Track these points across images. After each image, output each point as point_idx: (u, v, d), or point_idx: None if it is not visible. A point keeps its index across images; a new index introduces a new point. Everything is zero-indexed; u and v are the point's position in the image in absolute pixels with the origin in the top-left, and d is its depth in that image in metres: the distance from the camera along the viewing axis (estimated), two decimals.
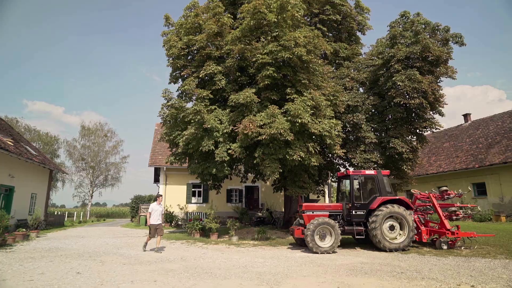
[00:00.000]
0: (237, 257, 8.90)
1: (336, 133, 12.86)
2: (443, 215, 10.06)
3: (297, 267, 7.43)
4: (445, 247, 9.71)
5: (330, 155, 17.08)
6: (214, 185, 17.79)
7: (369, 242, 10.66)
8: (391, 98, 14.49)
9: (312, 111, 11.85)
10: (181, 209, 23.78)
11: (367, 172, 10.44)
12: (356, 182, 10.20)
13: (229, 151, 12.38)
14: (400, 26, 15.54)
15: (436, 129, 14.89)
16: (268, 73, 11.79)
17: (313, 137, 12.69)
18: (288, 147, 11.72)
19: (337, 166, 16.58)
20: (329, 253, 9.35)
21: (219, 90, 13.90)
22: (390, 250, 9.50)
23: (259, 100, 12.47)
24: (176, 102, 14.13)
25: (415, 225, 9.83)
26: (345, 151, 13.71)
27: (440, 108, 15.09)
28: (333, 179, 16.07)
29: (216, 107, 13.50)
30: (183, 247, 11.03)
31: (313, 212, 10.19)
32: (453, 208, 10.16)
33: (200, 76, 13.53)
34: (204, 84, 14.49)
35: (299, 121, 11.09)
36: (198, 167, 13.65)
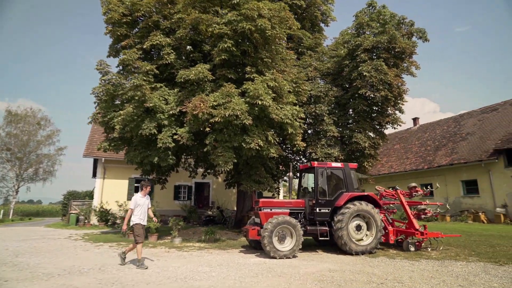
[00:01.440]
0: (176, 264, 7.02)
1: (298, 123, 11.56)
2: (411, 214, 9.19)
3: (253, 278, 5.80)
4: (412, 248, 8.82)
5: (288, 148, 15.84)
6: (159, 179, 15.56)
7: (330, 244, 9.44)
8: (355, 90, 13.61)
9: (274, 95, 10.36)
10: (119, 206, 20.89)
11: (334, 164, 9.20)
12: (321, 176, 8.89)
13: (175, 137, 10.40)
14: (367, 16, 14.80)
15: (398, 126, 14.34)
16: (225, 46, 10.03)
17: (273, 125, 11.23)
18: (245, 134, 10.09)
19: (295, 163, 15.34)
20: (289, 257, 7.88)
21: (167, 66, 11.82)
22: (357, 253, 8.33)
23: (214, 77, 10.67)
24: (114, 77, 11.75)
25: (383, 225, 8.79)
26: (305, 144, 12.47)
27: (401, 106, 14.60)
28: (294, 173, 14.77)
29: (162, 85, 11.40)
30: (109, 252, 8.82)
31: (271, 210, 8.67)
32: (423, 206, 9.35)
33: (145, 47, 11.32)
34: (150, 58, 12.29)
35: (259, 103, 9.51)
36: (137, 155, 11.41)
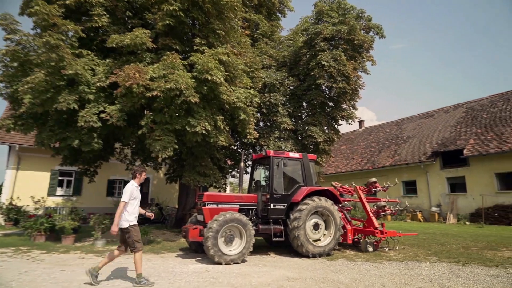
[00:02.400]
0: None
1: (251, 111, 10.31)
2: (371, 211, 8.48)
3: None
4: (371, 249, 8.09)
5: (238, 141, 14.53)
6: (86, 171, 13.16)
7: (283, 245, 8.34)
8: (312, 80, 12.81)
9: (226, 74, 8.94)
10: (36, 202, 17.58)
11: (291, 155, 8.09)
12: (277, 167, 7.70)
13: (103, 115, 8.39)
14: (326, 5, 14.14)
15: (352, 122, 13.90)
16: (171, 8, 8.33)
17: (224, 110, 9.82)
18: (190, 116, 8.50)
19: (247, 152, 14.06)
20: (238, 263, 6.54)
21: (98, 31, 9.71)
22: (314, 256, 7.30)
23: (156, 47, 8.89)
24: (24, 36, 9.26)
25: (342, 223, 7.92)
26: (257, 134, 11.28)
27: (355, 102, 14.21)
28: (246, 163, 13.44)
29: (90, 53, 9.25)
30: (22, 262, 6.58)
31: (217, 205, 7.23)
32: (383, 203, 8.72)
33: (68, 3, 9.06)
34: (76, 19, 9.99)
35: (209, 78, 8.00)
36: (52, 137, 9.10)
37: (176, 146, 8.45)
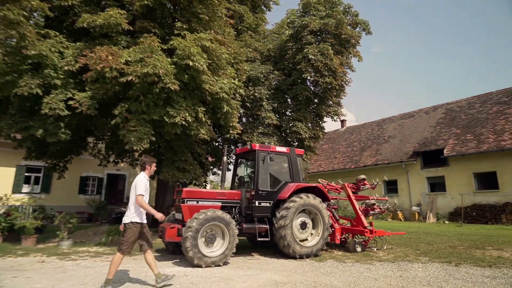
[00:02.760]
0: (39, 285, 4.48)
1: (235, 104, 9.74)
2: (360, 209, 8.11)
3: None
4: (359, 249, 7.71)
5: (220, 137, 13.91)
6: (54, 166, 12.17)
7: (267, 245, 7.84)
8: (299, 74, 12.38)
9: (209, 62, 8.32)
10: None
11: (278, 149, 7.58)
12: (262, 162, 7.17)
13: (71, 103, 7.56)
14: None
15: (337, 119, 13.61)
16: None
17: (206, 102, 9.19)
18: (169, 106, 7.81)
19: (230, 146, 13.45)
20: (219, 265, 5.95)
21: (68, 12, 8.83)
22: (301, 257, 6.82)
23: (132, 29, 8.12)
24: None
25: (330, 222, 7.49)
26: (241, 128, 10.72)
27: (340, 99, 13.92)
28: (229, 157, 12.80)
29: (58, 34, 8.34)
30: None
31: (198, 202, 6.61)
32: (372, 201, 8.37)
33: None
34: None
35: (190, 64, 7.34)
36: (12, 126, 8.14)
37: (153, 138, 7.73)
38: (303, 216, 7.24)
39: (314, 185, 7.54)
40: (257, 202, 6.88)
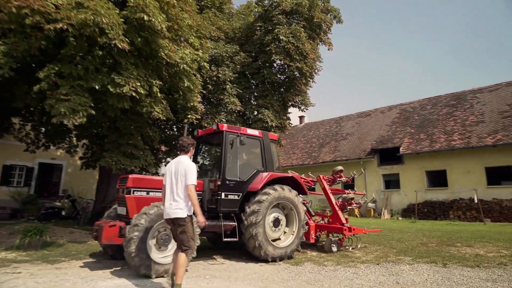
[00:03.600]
0: None
1: (198, 82, 8.37)
2: (336, 204, 7.27)
3: None
4: (335, 248, 6.86)
5: (175, 123, 12.32)
6: None
7: (228, 245, 6.66)
8: (267, 57, 11.30)
9: (169, 24, 6.83)
10: None
11: (250, 131, 6.39)
12: (230, 146, 5.94)
13: None
14: None
15: (305, 109, 12.81)
16: None
17: (163, 76, 7.68)
18: (115, 72, 6.20)
19: (190, 126, 11.88)
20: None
21: None
22: (274, 260, 5.74)
23: None
24: None
25: (306, 218, 6.52)
26: (203, 109, 9.36)
27: (309, 88, 13.14)
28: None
29: None
30: None
31: (148, 193, 5.17)
32: (351, 195, 7.57)
33: None
34: None
35: (145, 18, 5.82)
36: None
37: (93, 112, 6.06)
38: (276, 212, 6.17)
39: (290, 175, 6.50)
40: (223, 194, 5.62)
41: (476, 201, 15.60)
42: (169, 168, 3.99)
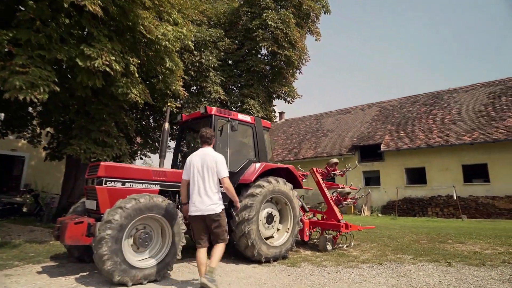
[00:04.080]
0: None
1: (181, 66, 7.57)
2: (331, 199, 6.75)
3: None
4: (330, 247, 6.35)
5: (152, 113, 11.40)
6: None
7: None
8: (254, 44, 10.64)
9: None
10: None
11: (241, 116, 5.70)
12: (220, 132, 5.23)
13: None
14: None
15: (291, 101, 12.27)
16: None
17: (141, 54, 6.81)
18: (84, 43, 5.29)
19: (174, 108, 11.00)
20: (156, 280, 3.87)
21: None
22: (267, 260, 5.12)
23: None
24: None
25: (301, 214, 5.95)
26: (186, 94, 8.56)
27: (295, 79, 12.63)
28: (173, 124, 10.35)
29: None
30: None
31: (124, 184, 4.37)
32: (347, 189, 7.07)
33: None
34: None
35: None
36: None
37: (57, 89, 5.11)
38: (269, 207, 5.55)
39: (285, 166, 5.90)
40: None
41: (455, 197, 15.81)
42: (192, 163, 3.72)
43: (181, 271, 4.52)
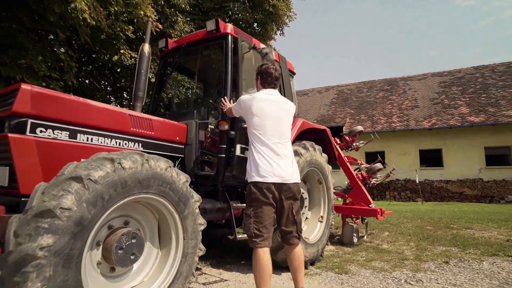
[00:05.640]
0: None
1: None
2: (357, 177, 5.22)
3: None
4: (356, 239, 4.85)
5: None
6: None
7: (214, 245, 4.05)
8: None
9: None
10: None
11: (262, 46, 3.69)
12: (241, 62, 3.21)
13: None
14: None
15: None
16: None
17: None
18: None
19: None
20: None
21: None
22: (304, 265, 3.37)
23: None
24: None
25: (335, 197, 4.30)
26: (160, 27, 6.13)
27: (274, 40, 10.69)
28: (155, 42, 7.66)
29: None
30: None
31: (73, 136, 2.15)
32: (378, 165, 5.58)
33: None
34: None
35: None
36: None
37: None
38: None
39: (324, 127, 4.13)
40: (238, 148, 2.91)
41: (417, 181, 15.90)
42: (266, 109, 2.32)
43: None
